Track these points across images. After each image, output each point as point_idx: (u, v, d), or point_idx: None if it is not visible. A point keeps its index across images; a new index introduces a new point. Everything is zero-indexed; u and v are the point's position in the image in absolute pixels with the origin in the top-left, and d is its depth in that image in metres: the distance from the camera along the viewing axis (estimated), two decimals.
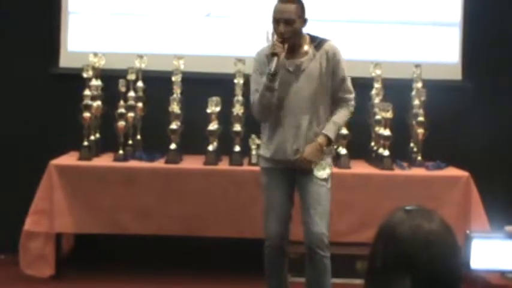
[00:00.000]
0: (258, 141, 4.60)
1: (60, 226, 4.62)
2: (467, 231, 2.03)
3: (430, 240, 1.59)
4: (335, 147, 4.93)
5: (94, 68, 5.00)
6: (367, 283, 1.65)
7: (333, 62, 3.81)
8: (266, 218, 3.85)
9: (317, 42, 3.82)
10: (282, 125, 3.79)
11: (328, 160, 3.88)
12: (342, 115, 3.87)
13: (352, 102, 3.91)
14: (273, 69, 3.63)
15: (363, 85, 5.10)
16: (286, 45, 3.69)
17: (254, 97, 3.79)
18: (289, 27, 3.69)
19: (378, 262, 1.63)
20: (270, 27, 3.83)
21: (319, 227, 3.77)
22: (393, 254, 1.60)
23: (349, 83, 3.90)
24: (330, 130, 3.81)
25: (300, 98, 3.78)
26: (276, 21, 3.71)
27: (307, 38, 3.84)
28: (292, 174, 3.84)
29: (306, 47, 3.81)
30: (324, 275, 3.80)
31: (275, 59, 3.63)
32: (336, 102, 3.87)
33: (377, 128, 4.95)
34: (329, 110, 3.86)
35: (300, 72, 3.78)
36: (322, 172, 3.82)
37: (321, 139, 3.79)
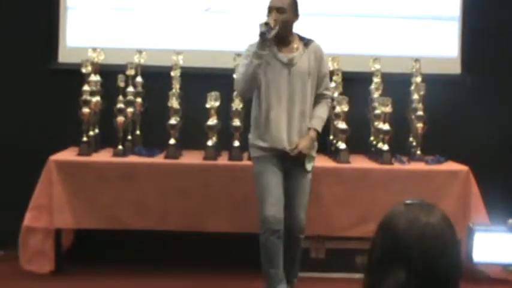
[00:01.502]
0: None
1: (60, 222, 4.62)
2: (470, 224, 2.03)
3: (426, 233, 1.59)
4: (334, 141, 4.97)
5: (93, 64, 5.00)
6: (365, 275, 1.65)
7: (319, 60, 4.07)
8: (264, 204, 3.97)
9: (305, 41, 4.08)
10: (275, 115, 3.99)
11: (314, 154, 4.14)
12: (324, 110, 4.15)
13: (330, 100, 4.22)
14: (265, 32, 3.81)
15: (362, 79, 5.12)
16: (278, 28, 3.88)
17: (239, 74, 4.02)
18: (280, 15, 3.92)
19: (375, 254, 1.64)
20: (262, 20, 3.94)
21: (302, 216, 4.07)
22: (389, 246, 1.61)
23: (329, 81, 4.20)
24: (318, 124, 4.08)
25: (292, 90, 4.00)
26: (269, 9, 3.96)
27: (297, 36, 4.10)
28: (282, 162, 4.04)
29: (296, 44, 4.04)
30: (299, 251, 4.16)
31: (266, 27, 3.84)
32: (316, 98, 4.11)
33: (376, 123, 4.94)
34: (312, 105, 4.10)
35: (292, 65, 3.99)
36: (309, 165, 4.07)
37: (312, 133, 4.05)
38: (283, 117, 3.99)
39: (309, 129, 4.05)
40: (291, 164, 4.04)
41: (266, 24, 3.85)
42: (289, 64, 3.99)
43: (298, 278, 4.24)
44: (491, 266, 4.17)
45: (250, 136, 4.15)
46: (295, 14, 4.03)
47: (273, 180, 3.99)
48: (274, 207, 3.96)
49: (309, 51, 4.05)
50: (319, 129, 4.10)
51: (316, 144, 4.16)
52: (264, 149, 4.04)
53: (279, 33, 3.92)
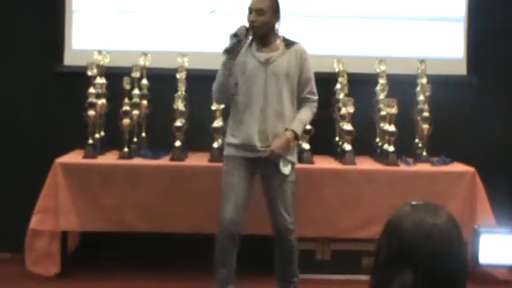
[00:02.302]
0: None
1: (66, 224, 4.62)
2: (476, 226, 2.02)
3: (433, 234, 1.59)
4: (340, 143, 4.96)
5: (98, 66, 5.00)
6: (372, 277, 1.65)
7: (300, 62, 4.02)
8: (224, 205, 3.97)
9: (288, 42, 4.04)
10: (249, 114, 3.96)
11: (293, 158, 4.05)
12: (306, 113, 4.07)
13: (315, 104, 4.11)
14: (228, 46, 3.86)
15: (367, 81, 5.12)
16: (251, 33, 3.92)
17: (214, 84, 4.02)
18: (259, 17, 3.92)
19: (382, 255, 1.64)
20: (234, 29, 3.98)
21: (285, 217, 4.00)
22: (396, 247, 1.61)
23: (313, 85, 4.09)
24: (296, 126, 4.00)
25: (267, 89, 3.97)
26: (249, 10, 3.96)
27: (281, 37, 4.07)
28: (255, 163, 4.00)
29: (277, 45, 4.01)
30: (291, 252, 4.09)
31: (235, 39, 3.85)
32: (300, 102, 4.06)
33: (382, 124, 4.94)
34: (295, 109, 4.04)
35: (269, 64, 3.96)
36: (285, 168, 3.98)
37: (289, 134, 3.96)
38: (256, 115, 3.95)
39: (286, 130, 3.96)
40: (266, 167, 3.99)
41: (235, 35, 3.86)
42: (265, 63, 3.97)
43: (303, 280, 4.22)
44: (497, 268, 4.18)
45: (226, 134, 4.14)
46: (275, 15, 3.99)
47: (237, 182, 3.96)
48: (232, 209, 3.94)
49: (290, 52, 4.00)
50: (298, 131, 3.99)
51: (294, 147, 4.07)
52: (235, 146, 3.99)
53: (258, 34, 3.95)
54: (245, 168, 3.99)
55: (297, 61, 4.00)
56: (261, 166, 4.02)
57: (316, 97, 4.10)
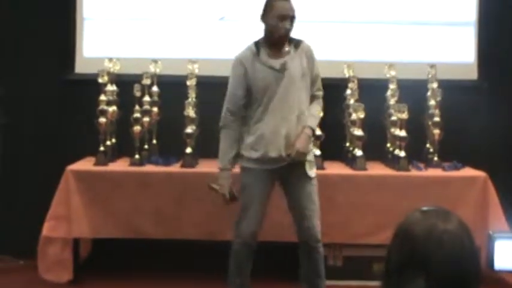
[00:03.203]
0: None
1: (78, 231, 4.64)
2: (490, 232, 2.02)
3: (444, 240, 1.58)
4: (350, 148, 4.95)
5: (109, 74, 5.02)
6: (382, 283, 1.64)
7: (310, 60, 3.95)
8: (243, 217, 3.90)
9: (294, 42, 3.95)
10: (271, 125, 3.85)
11: (312, 157, 3.99)
12: (318, 108, 4.03)
13: (321, 100, 4.06)
14: (211, 185, 3.96)
15: (378, 86, 5.11)
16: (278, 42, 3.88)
17: (227, 108, 3.93)
18: (291, 24, 3.86)
19: (393, 262, 1.63)
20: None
21: (315, 226, 3.91)
22: (407, 254, 1.60)
23: (320, 82, 4.04)
24: (312, 122, 3.93)
25: (287, 96, 3.86)
26: (282, 17, 3.83)
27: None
28: (277, 172, 3.90)
29: (286, 47, 3.92)
30: (320, 263, 3.97)
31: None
32: (310, 99, 3.99)
33: (393, 129, 4.93)
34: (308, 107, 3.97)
35: (285, 70, 3.87)
36: (311, 171, 3.91)
37: (308, 130, 3.89)
38: (279, 125, 3.83)
39: (303, 127, 3.87)
40: (291, 173, 3.88)
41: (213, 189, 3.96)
42: (282, 69, 3.86)
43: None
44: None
45: (242, 146, 3.94)
46: None
47: (258, 195, 3.87)
48: (252, 222, 3.87)
49: (300, 52, 3.91)
50: (314, 127, 3.95)
51: (312, 146, 4.01)
52: (254, 161, 3.88)
53: (283, 42, 3.88)
54: (266, 179, 3.88)
55: (307, 60, 3.93)
56: (284, 173, 3.90)
57: (322, 92, 4.04)
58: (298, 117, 3.87)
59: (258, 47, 3.90)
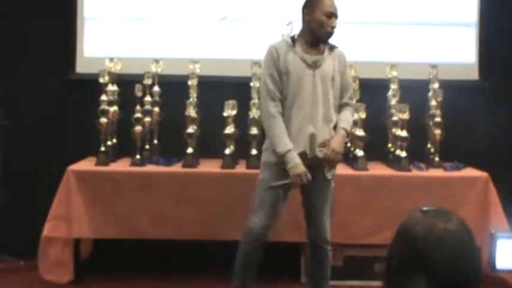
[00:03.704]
0: None
1: (78, 231, 4.64)
2: (492, 231, 2.01)
3: (444, 240, 1.58)
4: (352, 149, 4.96)
5: (110, 73, 5.03)
6: (383, 283, 1.64)
7: (344, 67, 3.92)
8: (256, 214, 3.81)
9: (329, 45, 3.91)
10: (298, 120, 3.78)
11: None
12: (351, 115, 3.98)
13: (353, 108, 4.04)
14: (275, 184, 3.74)
15: (379, 86, 5.11)
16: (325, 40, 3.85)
17: (268, 106, 3.78)
18: (335, 21, 3.84)
19: (394, 262, 1.63)
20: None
21: (326, 227, 3.91)
22: (408, 254, 1.60)
23: (352, 90, 4.02)
24: (346, 125, 3.87)
25: (315, 91, 3.80)
26: (330, 15, 3.81)
27: None
28: None
29: (322, 47, 3.88)
30: (327, 266, 3.97)
31: (288, 184, 3.74)
32: (340, 107, 3.92)
33: (394, 129, 4.93)
34: (337, 112, 3.88)
35: (317, 67, 3.82)
36: (329, 173, 3.87)
37: (343, 131, 3.84)
38: (305, 119, 3.77)
39: (339, 128, 3.81)
40: (312, 174, 3.77)
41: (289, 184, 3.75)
42: (313, 66, 3.81)
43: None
44: None
45: (267, 140, 3.91)
46: None
47: (274, 194, 3.79)
48: (264, 221, 3.80)
49: (334, 56, 3.87)
50: (348, 130, 3.89)
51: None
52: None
53: (323, 38, 3.84)
54: (287, 176, 3.75)
55: (340, 66, 3.88)
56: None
57: (354, 101, 4.05)
58: (324, 118, 3.80)
59: (293, 41, 3.86)
